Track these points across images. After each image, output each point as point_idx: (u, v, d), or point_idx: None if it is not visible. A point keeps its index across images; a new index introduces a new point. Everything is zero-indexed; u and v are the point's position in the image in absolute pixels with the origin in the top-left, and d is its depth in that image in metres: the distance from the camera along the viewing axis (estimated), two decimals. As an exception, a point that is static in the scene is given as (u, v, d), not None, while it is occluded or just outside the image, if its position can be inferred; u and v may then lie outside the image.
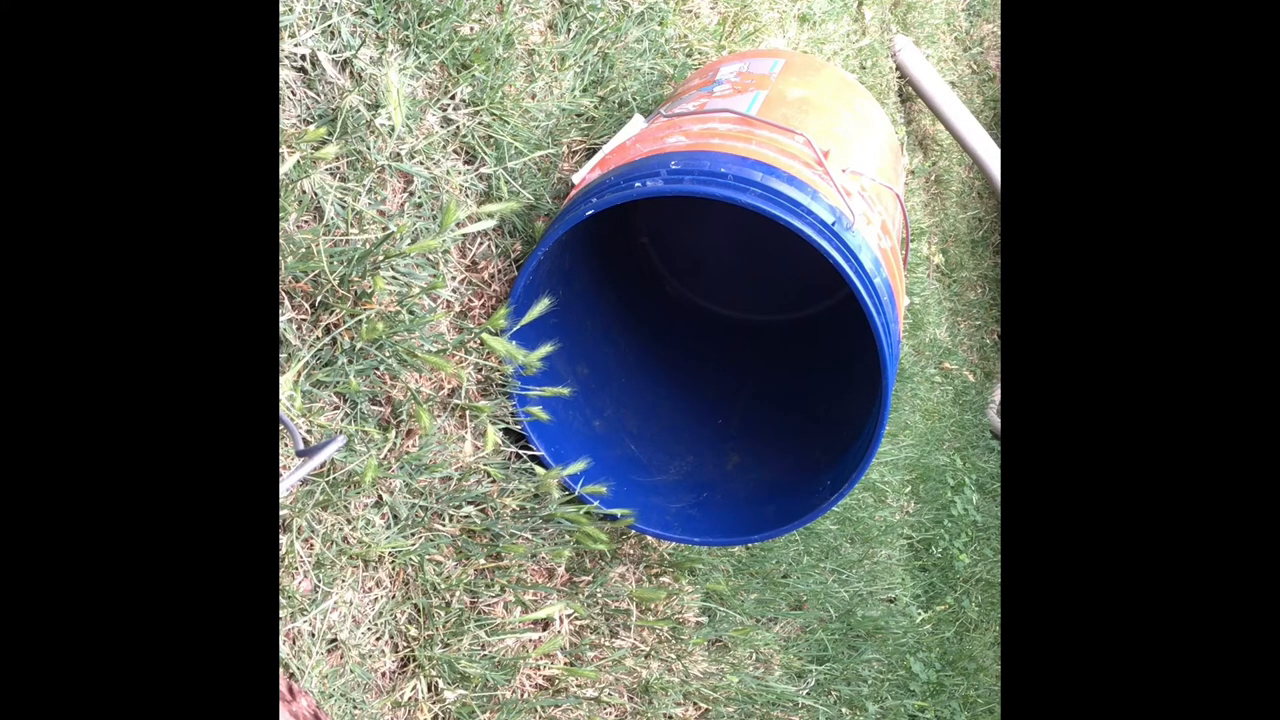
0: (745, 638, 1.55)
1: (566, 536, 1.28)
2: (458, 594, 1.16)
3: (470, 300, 1.25)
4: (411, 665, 1.12)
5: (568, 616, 1.29)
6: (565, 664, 1.28)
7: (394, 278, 1.12)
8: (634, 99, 1.48)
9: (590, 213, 1.12)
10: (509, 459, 1.28)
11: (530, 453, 1.29)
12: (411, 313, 1.13)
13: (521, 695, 1.21)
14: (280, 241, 1.01)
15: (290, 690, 0.84)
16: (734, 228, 1.56)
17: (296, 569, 1.02)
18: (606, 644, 1.34)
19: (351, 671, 1.05)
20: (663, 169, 1.12)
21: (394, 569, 1.12)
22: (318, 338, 1.06)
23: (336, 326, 1.07)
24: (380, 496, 1.11)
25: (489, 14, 1.26)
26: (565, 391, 1.30)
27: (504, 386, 1.26)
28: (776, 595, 1.66)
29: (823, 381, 1.52)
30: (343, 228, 1.08)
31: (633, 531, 1.38)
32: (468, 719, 1.14)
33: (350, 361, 1.08)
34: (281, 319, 1.03)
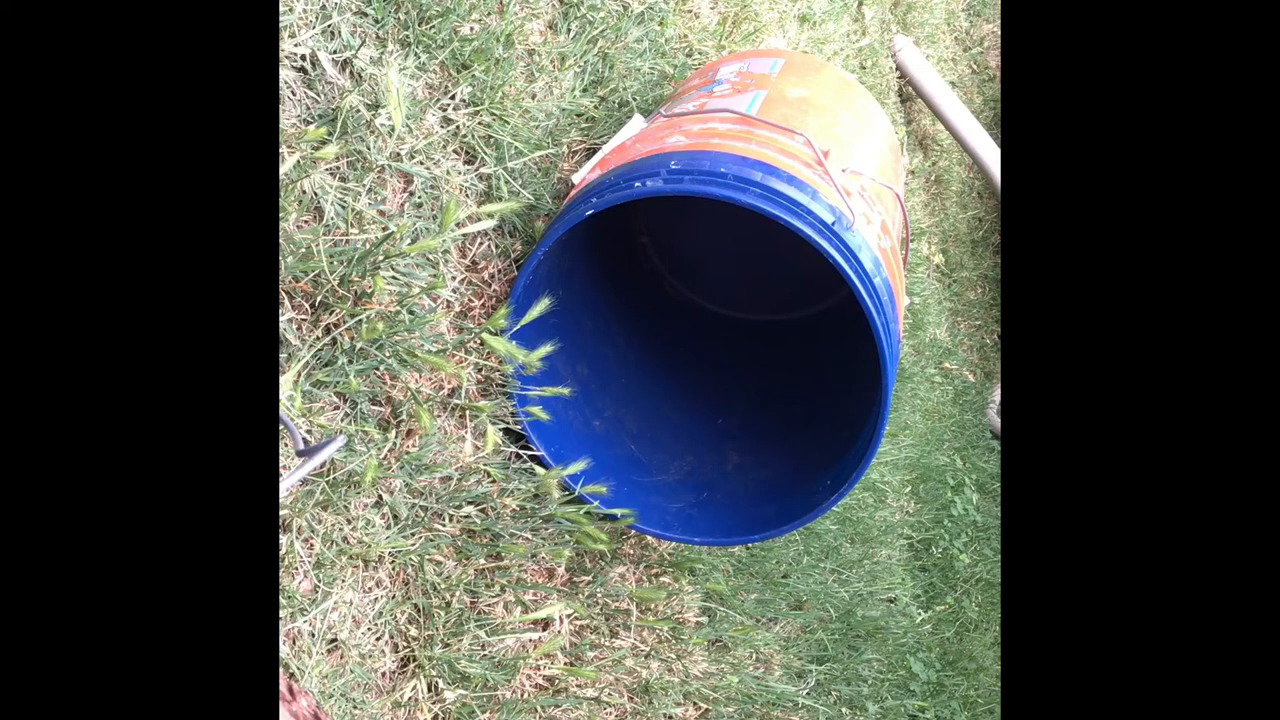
0: (745, 638, 1.55)
1: (566, 536, 1.28)
2: (458, 594, 1.16)
3: (470, 300, 1.25)
4: (411, 665, 1.12)
5: (568, 616, 1.29)
6: (565, 664, 1.28)
7: (394, 278, 1.12)
8: (634, 99, 1.47)
9: (590, 213, 1.12)
10: (509, 459, 1.28)
11: (530, 453, 1.29)
12: (411, 313, 1.13)
13: (521, 695, 1.21)
14: (280, 241, 1.01)
15: (290, 690, 0.84)
16: (734, 228, 1.56)
17: (296, 569, 1.02)
18: (606, 644, 1.34)
19: (351, 671, 1.05)
20: (663, 169, 1.12)
21: (394, 569, 1.12)
22: (318, 338, 1.06)
23: (336, 326, 1.07)
24: (380, 496, 1.11)
25: (489, 14, 1.26)
26: (565, 391, 1.30)
27: (504, 386, 1.26)
28: (776, 595, 1.66)
29: (822, 381, 1.52)
30: (343, 228, 1.08)
31: (633, 531, 1.38)
32: (468, 719, 1.14)
33: (350, 361, 1.08)
34: (281, 319, 1.03)
